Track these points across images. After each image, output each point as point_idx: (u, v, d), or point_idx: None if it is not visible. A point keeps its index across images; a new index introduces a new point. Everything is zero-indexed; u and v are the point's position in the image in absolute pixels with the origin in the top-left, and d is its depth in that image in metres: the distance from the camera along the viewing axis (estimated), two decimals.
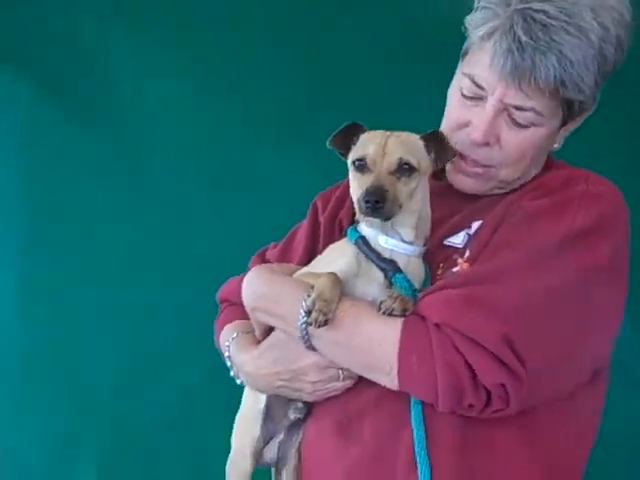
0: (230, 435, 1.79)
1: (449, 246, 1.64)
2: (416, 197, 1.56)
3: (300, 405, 1.72)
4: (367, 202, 1.48)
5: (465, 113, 1.64)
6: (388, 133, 1.57)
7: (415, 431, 1.50)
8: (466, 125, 1.64)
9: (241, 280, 1.86)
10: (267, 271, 1.72)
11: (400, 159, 1.52)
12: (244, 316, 1.82)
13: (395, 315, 1.48)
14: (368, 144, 1.55)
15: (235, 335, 1.79)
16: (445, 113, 1.71)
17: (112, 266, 3.11)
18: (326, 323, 1.50)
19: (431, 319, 1.45)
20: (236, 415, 1.80)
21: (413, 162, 1.53)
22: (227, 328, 1.85)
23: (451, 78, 1.72)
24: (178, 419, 3.09)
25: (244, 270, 1.89)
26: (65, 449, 3.16)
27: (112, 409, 3.12)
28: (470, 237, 1.62)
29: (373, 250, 1.58)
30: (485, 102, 1.60)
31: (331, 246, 1.70)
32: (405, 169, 1.52)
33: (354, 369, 1.57)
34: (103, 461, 3.15)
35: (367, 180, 1.52)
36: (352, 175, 1.58)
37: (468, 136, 1.63)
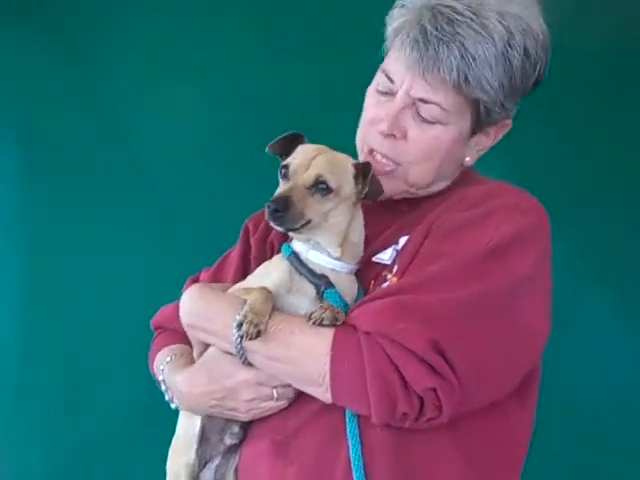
0: (166, 460, 1.78)
1: (378, 263, 1.66)
2: (336, 219, 1.58)
3: (236, 430, 1.71)
4: (268, 207, 1.51)
5: (378, 109, 1.69)
6: (323, 149, 1.60)
7: (351, 447, 1.51)
8: (378, 121, 1.68)
9: (174, 306, 1.86)
10: (203, 289, 1.73)
11: (318, 175, 1.54)
12: (178, 341, 1.83)
13: (325, 325, 1.49)
14: (298, 155, 1.58)
15: (169, 359, 1.79)
16: (362, 114, 1.75)
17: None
18: (258, 335, 1.51)
19: (361, 328, 1.47)
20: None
21: (331, 183, 1.55)
22: (161, 353, 1.84)
23: None
24: (111, 442, 3.04)
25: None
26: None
27: (52, 426, 3.06)
28: (397, 252, 1.64)
29: (305, 265, 1.60)
30: (394, 97, 1.65)
31: (265, 263, 1.72)
32: (322, 188, 1.54)
33: (290, 382, 1.57)
34: None
35: (281, 188, 1.56)
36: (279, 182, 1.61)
37: (378, 130, 1.67)
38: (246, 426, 1.70)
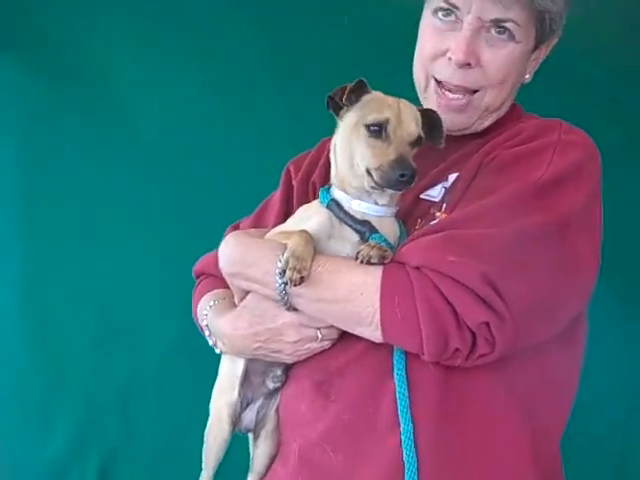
0: (208, 399, 1.78)
1: (426, 200, 1.64)
2: None
3: (278, 373, 1.70)
4: (402, 176, 1.45)
5: (441, 41, 1.66)
6: (396, 99, 1.54)
7: (398, 386, 1.49)
8: (443, 53, 1.65)
9: (216, 254, 1.85)
10: (242, 236, 1.70)
11: (418, 131, 1.51)
12: (221, 287, 1.82)
13: (373, 263, 1.46)
14: (383, 109, 1.50)
15: (213, 303, 1.78)
16: (417, 50, 1.72)
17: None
18: (302, 280, 1.48)
19: (410, 263, 1.44)
20: (215, 379, 1.78)
21: (422, 137, 1.52)
22: (204, 298, 1.83)
23: None
24: (155, 387, 3.07)
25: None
26: (39, 416, 3.11)
27: (89, 369, 3.10)
28: (447, 190, 1.62)
29: (346, 213, 1.57)
30: (461, 25, 1.62)
31: (303, 206, 1.69)
32: (418, 143, 1.51)
33: (337, 324, 1.55)
34: (81, 421, 3.13)
35: (388, 150, 1.48)
36: (364, 140, 1.51)
37: (448, 61, 1.64)
38: (288, 369, 1.69)
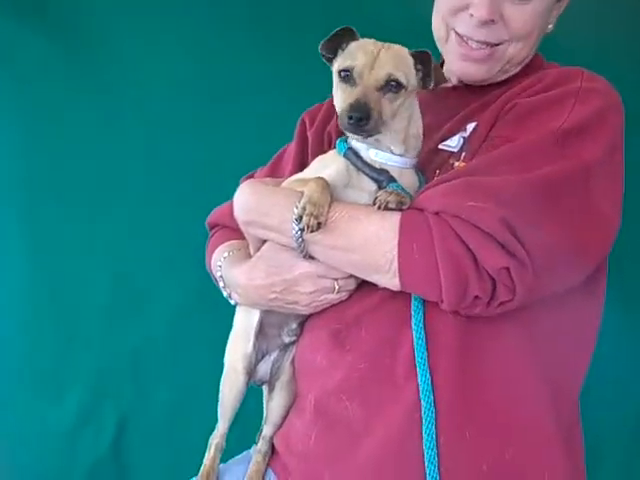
0: (222, 354, 1.78)
1: (444, 150, 1.62)
2: (401, 115, 1.52)
3: (294, 326, 1.70)
4: (350, 118, 1.44)
5: None
6: (380, 44, 1.51)
7: (415, 336, 1.47)
8: (465, 8, 1.63)
9: (229, 205, 1.83)
10: (257, 184, 1.68)
11: (389, 75, 1.47)
12: (235, 238, 1.80)
13: (391, 208, 1.45)
14: (357, 54, 1.50)
15: (227, 254, 1.77)
16: (436, 3, 1.70)
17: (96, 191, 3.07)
18: (319, 226, 1.46)
19: (429, 209, 1.42)
20: (229, 334, 1.78)
21: (402, 79, 1.48)
22: (219, 249, 1.82)
23: None
24: (167, 347, 3.07)
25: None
26: (56, 374, 3.12)
27: (100, 332, 3.09)
28: (465, 139, 1.60)
29: (364, 162, 1.55)
30: None
31: (319, 157, 1.67)
32: (392, 86, 1.48)
33: (353, 271, 1.53)
34: (94, 384, 3.11)
35: (352, 94, 1.47)
36: (336, 85, 1.53)
37: (470, 17, 1.62)
38: (303, 323, 1.68)
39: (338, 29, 1.53)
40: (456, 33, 1.66)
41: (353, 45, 1.53)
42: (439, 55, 1.77)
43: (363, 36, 1.55)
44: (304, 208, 1.47)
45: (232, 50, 2.95)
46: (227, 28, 2.95)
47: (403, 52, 1.53)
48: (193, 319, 3.01)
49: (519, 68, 1.69)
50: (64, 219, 3.12)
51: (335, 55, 1.55)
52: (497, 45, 1.64)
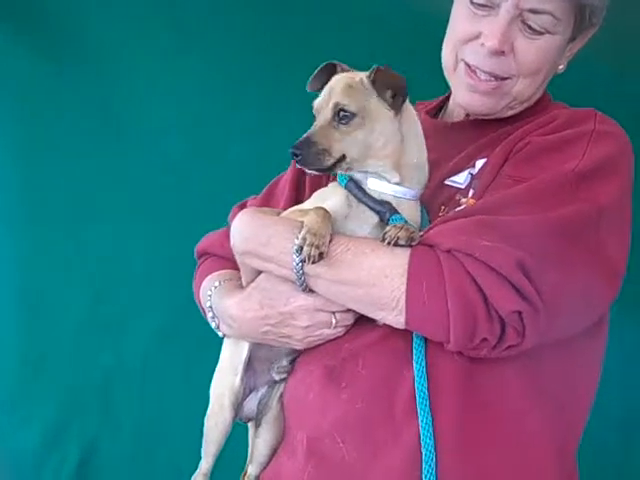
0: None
1: (451, 186, 1.59)
2: (378, 142, 1.47)
3: (284, 363, 1.63)
4: (289, 152, 1.44)
5: (474, 25, 1.61)
6: (341, 76, 1.50)
7: (417, 375, 1.42)
8: (476, 37, 1.60)
9: (221, 233, 1.81)
10: (256, 213, 1.63)
11: (334, 105, 1.46)
12: (226, 267, 1.75)
13: (401, 245, 1.40)
14: (323, 91, 1.50)
15: (218, 284, 1.70)
16: (448, 32, 1.68)
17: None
18: (321, 257, 1.42)
19: (441, 246, 1.38)
20: (205, 362, 1.72)
21: (350, 107, 1.45)
22: (208, 279, 1.76)
23: None
24: (138, 374, 3.02)
25: (222, 225, 1.83)
26: (18, 402, 3.05)
27: (73, 350, 3.05)
28: (473, 176, 1.57)
29: (365, 192, 1.51)
30: (497, 11, 1.58)
31: (318, 191, 1.63)
32: (343, 116, 1.45)
33: (356, 307, 1.48)
34: (62, 404, 3.07)
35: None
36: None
37: (481, 47, 1.59)
38: (294, 359, 1.62)
39: (320, 66, 1.52)
40: (465, 63, 1.63)
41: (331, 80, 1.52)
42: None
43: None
44: (305, 239, 1.42)
45: (232, 65, 2.94)
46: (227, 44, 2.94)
47: (357, 77, 1.50)
48: (169, 343, 2.98)
49: (525, 105, 1.67)
50: (44, 235, 3.10)
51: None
52: (504, 79, 1.62)
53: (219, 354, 1.70)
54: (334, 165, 1.47)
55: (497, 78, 1.61)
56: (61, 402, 3.10)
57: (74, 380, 3.07)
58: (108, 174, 3.02)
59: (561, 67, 1.69)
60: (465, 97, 1.65)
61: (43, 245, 3.07)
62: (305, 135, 1.45)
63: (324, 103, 1.48)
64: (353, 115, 1.46)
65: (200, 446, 1.68)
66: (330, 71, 1.52)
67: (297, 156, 1.44)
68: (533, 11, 1.56)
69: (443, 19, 1.70)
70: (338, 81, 1.49)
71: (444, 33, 1.69)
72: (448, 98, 1.78)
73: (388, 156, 1.49)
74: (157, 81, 3.04)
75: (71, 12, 3.05)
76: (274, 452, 1.65)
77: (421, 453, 1.40)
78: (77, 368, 3.06)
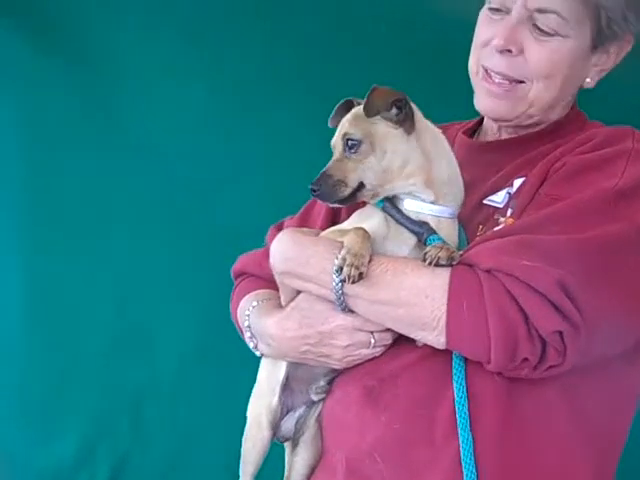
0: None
1: (489, 206, 1.59)
2: (394, 162, 1.48)
3: (322, 383, 1.63)
4: (309, 190, 1.48)
5: (490, 29, 1.64)
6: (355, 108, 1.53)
7: (457, 396, 1.43)
8: (490, 41, 1.63)
9: (258, 253, 1.82)
10: (296, 233, 1.64)
11: (342, 136, 1.49)
12: (263, 287, 1.76)
13: (442, 265, 1.40)
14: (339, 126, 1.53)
15: (256, 303, 1.71)
16: (474, 40, 1.70)
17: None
18: (360, 277, 1.42)
19: (481, 265, 1.38)
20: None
21: (355, 135, 1.48)
22: (246, 298, 1.77)
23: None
24: (169, 393, 3.03)
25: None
26: (49, 414, 3.05)
27: (99, 371, 3.05)
28: (511, 196, 1.56)
29: (402, 214, 1.51)
30: (510, 14, 1.60)
31: (356, 212, 1.63)
32: (351, 145, 1.48)
33: (396, 327, 1.48)
34: (90, 427, 3.07)
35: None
36: None
37: (492, 48, 1.62)
38: (332, 380, 1.62)
39: (338, 104, 1.55)
40: (483, 68, 1.66)
41: None
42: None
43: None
44: (344, 259, 1.43)
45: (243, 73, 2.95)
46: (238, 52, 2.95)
47: (355, 108, 1.53)
48: (199, 364, 2.97)
49: (550, 116, 1.66)
50: (67, 251, 3.11)
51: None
52: (518, 83, 1.62)
53: (252, 372, 1.70)
54: (353, 195, 1.49)
55: (510, 80, 1.62)
56: (88, 425, 3.09)
57: (101, 402, 3.06)
58: (134, 195, 3.03)
59: (588, 80, 1.67)
60: (482, 102, 1.67)
61: (61, 261, 3.06)
62: (322, 171, 1.48)
63: (338, 137, 1.51)
64: (360, 142, 1.48)
65: (231, 466, 1.68)
66: (348, 107, 1.55)
67: (315, 192, 1.47)
68: (540, 10, 1.57)
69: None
70: (349, 114, 1.53)
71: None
72: (483, 119, 1.78)
73: (414, 174, 1.50)
74: (166, 80, 3.04)
75: (74, 9, 3.06)
76: (311, 472, 1.65)
77: (461, 474, 1.40)
78: (107, 384, 3.06)
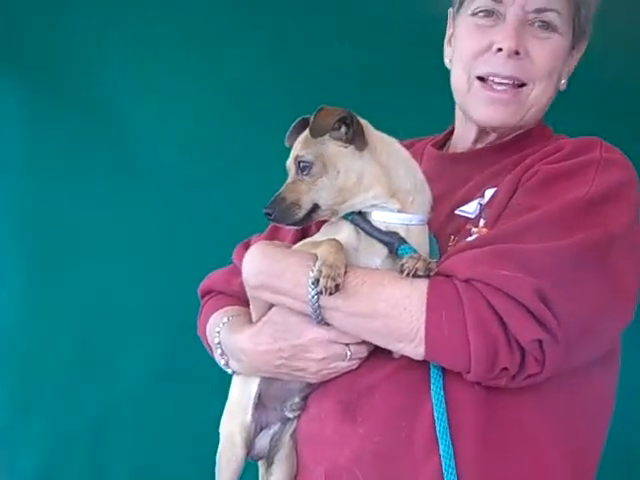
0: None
1: (460, 216, 1.59)
2: (348, 180, 1.48)
3: (296, 400, 1.61)
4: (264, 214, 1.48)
5: (483, 37, 1.64)
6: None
7: (435, 407, 1.42)
8: (488, 47, 1.63)
9: (225, 271, 1.80)
10: (268, 246, 1.62)
11: (295, 159, 1.50)
12: (232, 304, 1.74)
13: (420, 276, 1.40)
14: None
15: (226, 319, 1.69)
16: (456, 55, 1.70)
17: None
18: (337, 289, 1.41)
19: (459, 276, 1.38)
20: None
21: (307, 157, 1.48)
22: (215, 315, 1.74)
23: None
24: (129, 419, 2.97)
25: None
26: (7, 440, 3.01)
27: (58, 397, 2.99)
28: (483, 206, 1.57)
29: (371, 225, 1.50)
30: (504, 18, 1.62)
31: (326, 224, 1.61)
32: (304, 167, 1.48)
33: (374, 340, 1.47)
34: (49, 453, 3.01)
35: None
36: None
37: (495, 54, 1.62)
38: (307, 396, 1.60)
39: (294, 123, 1.54)
40: (478, 79, 1.65)
41: None
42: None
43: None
44: (320, 271, 1.41)
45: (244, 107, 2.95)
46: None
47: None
48: (160, 388, 2.91)
49: (533, 120, 1.68)
50: (29, 277, 3.04)
51: None
52: (521, 86, 1.64)
53: (217, 394, 1.67)
54: (308, 216, 1.49)
55: (514, 85, 1.63)
56: (46, 451, 3.03)
57: (60, 428, 3.00)
58: (105, 210, 3.01)
59: (563, 82, 1.71)
60: (484, 112, 1.66)
61: (24, 286, 3.03)
62: (276, 194, 1.48)
63: (291, 160, 1.50)
64: (312, 164, 1.48)
65: None
66: (304, 125, 1.52)
67: (270, 215, 1.46)
68: (539, 10, 1.61)
69: None
70: (301, 135, 1.52)
71: None
72: (452, 132, 1.79)
73: (373, 187, 1.49)
74: (163, 115, 3.05)
75: (73, 52, 3.08)
76: None
77: None
78: (64, 411, 3.01)
